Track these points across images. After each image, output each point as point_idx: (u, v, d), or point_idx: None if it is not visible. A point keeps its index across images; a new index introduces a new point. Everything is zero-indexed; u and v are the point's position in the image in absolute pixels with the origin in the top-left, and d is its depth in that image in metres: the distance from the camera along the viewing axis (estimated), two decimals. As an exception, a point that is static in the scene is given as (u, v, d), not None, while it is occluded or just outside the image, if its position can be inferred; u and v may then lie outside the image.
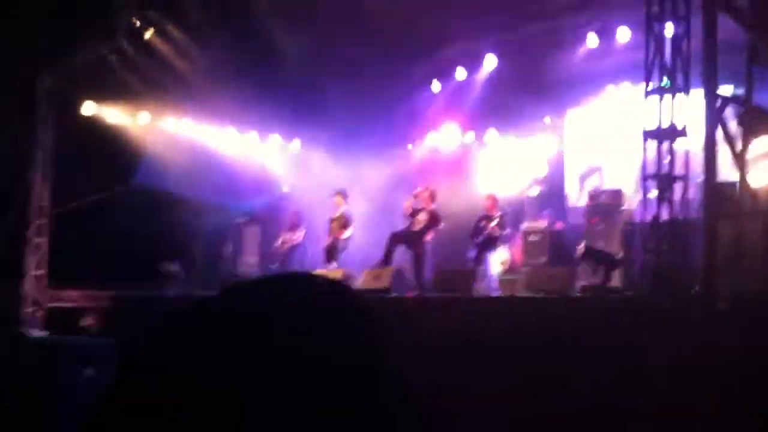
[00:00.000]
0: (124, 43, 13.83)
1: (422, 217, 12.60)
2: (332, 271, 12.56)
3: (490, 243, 12.38)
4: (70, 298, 14.86)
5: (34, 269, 14.45)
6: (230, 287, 1.13)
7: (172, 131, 16.01)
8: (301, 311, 1.09)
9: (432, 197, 12.85)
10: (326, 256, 13.45)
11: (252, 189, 16.82)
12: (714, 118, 8.43)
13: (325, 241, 13.58)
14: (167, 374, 1.05)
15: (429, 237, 12.52)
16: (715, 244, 7.81)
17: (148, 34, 13.74)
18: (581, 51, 13.60)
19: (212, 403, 1.00)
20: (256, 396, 1.00)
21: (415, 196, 12.85)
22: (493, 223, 12.44)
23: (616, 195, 12.29)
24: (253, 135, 17.17)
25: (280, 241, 14.34)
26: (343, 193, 13.77)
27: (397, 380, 1.10)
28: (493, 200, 13.01)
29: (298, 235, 14.27)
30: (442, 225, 12.66)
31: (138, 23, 13.57)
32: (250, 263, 15.58)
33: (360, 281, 11.62)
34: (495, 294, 11.33)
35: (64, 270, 14.26)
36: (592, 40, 13.41)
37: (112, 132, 15.12)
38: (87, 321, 12.80)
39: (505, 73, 14.63)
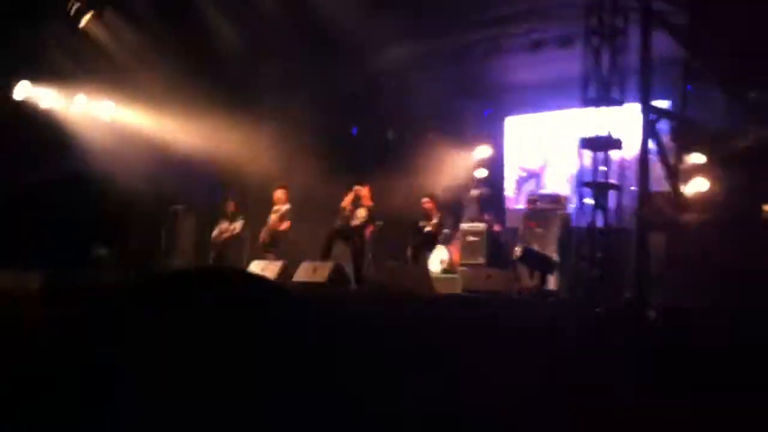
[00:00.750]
0: (61, 26, 13.61)
1: (361, 213, 12.74)
2: (271, 263, 12.61)
3: (429, 241, 12.58)
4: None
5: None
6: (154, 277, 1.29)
7: (107, 116, 15.75)
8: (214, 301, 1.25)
9: (371, 195, 12.99)
10: (264, 247, 13.46)
11: (187, 177, 16.66)
12: (648, 130, 8.78)
13: (264, 232, 13.59)
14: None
15: (368, 232, 12.67)
16: (647, 253, 8.14)
17: (85, 19, 13.52)
18: (521, 59, 13.88)
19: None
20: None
21: (355, 192, 12.96)
22: (433, 223, 12.64)
23: (554, 199, 12.60)
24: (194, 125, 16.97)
25: (217, 230, 14.28)
26: (284, 187, 13.79)
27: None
28: (433, 200, 13.21)
29: (236, 225, 14.21)
30: (380, 222, 12.82)
31: (75, 6, 13.34)
32: (184, 252, 15.47)
33: (298, 274, 11.70)
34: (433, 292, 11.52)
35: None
36: (532, 48, 13.70)
37: (45, 116, 14.82)
38: None
39: (447, 76, 14.82)
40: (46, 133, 14.53)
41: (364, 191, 12.95)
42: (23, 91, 14.58)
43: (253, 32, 13.31)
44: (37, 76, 14.34)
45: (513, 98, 14.92)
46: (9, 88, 14.42)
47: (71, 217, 14.36)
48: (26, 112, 14.48)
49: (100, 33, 13.85)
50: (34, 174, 14.25)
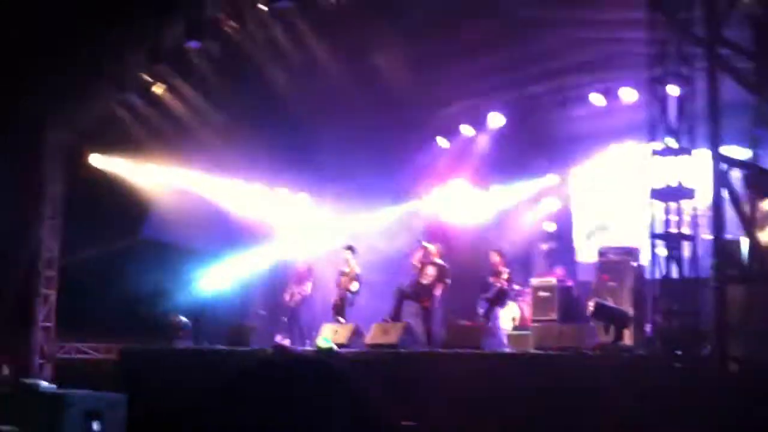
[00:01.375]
0: (134, 97, 14.04)
1: (431, 271, 12.66)
2: (342, 325, 12.62)
3: (500, 298, 12.45)
4: (78, 350, 14.93)
5: (43, 321, 14.53)
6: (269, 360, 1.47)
7: (179, 183, 16.11)
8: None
9: (440, 251, 12.95)
10: (335, 310, 13.51)
11: (259, 241, 16.92)
12: (720, 180, 8.56)
13: (334, 295, 13.65)
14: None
15: (438, 291, 12.57)
16: (725, 306, 7.90)
17: (157, 89, 13.93)
18: (586, 110, 13.82)
19: None
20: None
21: (424, 249, 12.93)
22: (502, 278, 12.52)
23: (627, 252, 12.37)
24: (259, 187, 17.28)
25: (288, 294, 14.40)
26: (352, 248, 13.88)
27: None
28: (501, 255, 13.10)
29: (306, 288, 14.33)
30: (449, 279, 12.73)
31: (148, 77, 13.77)
32: (259, 315, 15.62)
33: (369, 336, 11.67)
34: (505, 350, 11.37)
35: (73, 323, 14.36)
36: (596, 99, 13.64)
37: (120, 184, 15.22)
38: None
39: (512, 130, 14.84)
40: (121, 201, 14.89)
41: (432, 248, 12.90)
42: (98, 159, 15.01)
43: (317, 94, 13.53)
44: (112, 145, 14.74)
45: (578, 149, 14.79)
46: (85, 157, 14.85)
47: (147, 284, 14.68)
48: (103, 180, 14.86)
49: (170, 100, 14.23)
50: (111, 242, 14.65)
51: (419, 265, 12.84)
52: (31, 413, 9.09)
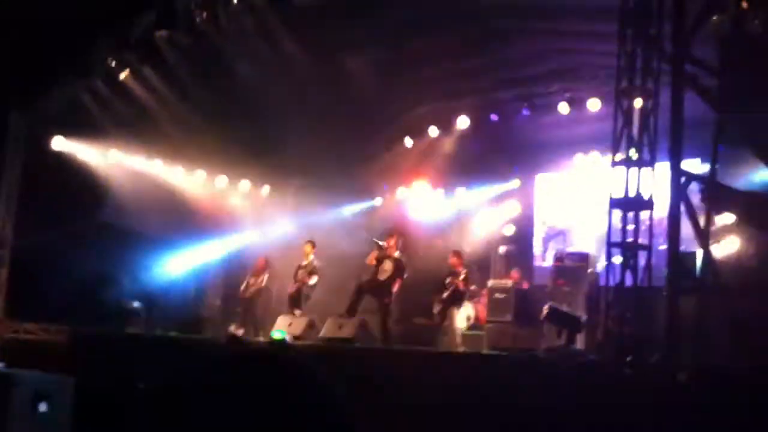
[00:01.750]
0: (99, 83, 13.91)
1: (387, 266, 12.64)
2: (297, 317, 12.61)
3: (456, 298, 12.53)
4: (27, 330, 14.71)
5: (-7, 300, 14.31)
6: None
7: (140, 170, 15.98)
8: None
9: (397, 245, 12.90)
10: (291, 302, 13.48)
11: (217, 231, 16.84)
12: (678, 193, 8.73)
13: (291, 287, 13.62)
14: None
15: (396, 287, 12.56)
16: (677, 316, 8.06)
17: (122, 75, 13.81)
18: (552, 118, 13.99)
19: None
20: None
21: (380, 246, 12.89)
22: (459, 279, 12.60)
23: (583, 258, 12.54)
24: (222, 179, 17.20)
25: (244, 285, 14.35)
26: (312, 242, 13.87)
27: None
28: (458, 256, 13.19)
29: (263, 280, 14.28)
30: (406, 274, 12.70)
31: (114, 64, 13.64)
32: (213, 305, 15.55)
33: (324, 330, 11.69)
34: (459, 350, 11.46)
35: (24, 303, 14.15)
36: (563, 107, 13.81)
37: (80, 168, 15.06)
38: None
39: (478, 134, 14.96)
40: (79, 185, 14.74)
41: (390, 241, 12.85)
42: (60, 143, 14.85)
43: (283, 85, 13.52)
44: (75, 129, 14.59)
45: (544, 156, 14.96)
46: (47, 140, 14.69)
47: (102, 268, 14.53)
48: (62, 163, 14.71)
49: (135, 87, 14.10)
50: (67, 224, 14.47)
51: (375, 263, 12.82)
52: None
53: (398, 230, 13.44)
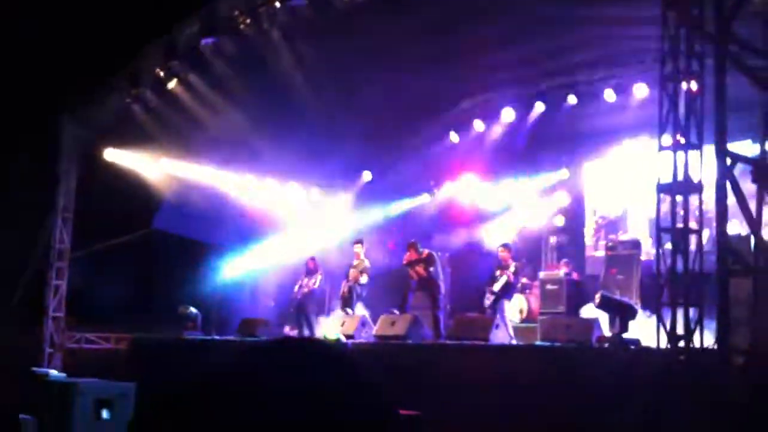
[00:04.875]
0: (148, 93, 14.14)
1: (419, 268, 12.68)
2: (350, 317, 12.69)
3: (506, 291, 12.47)
4: (89, 340, 15.09)
5: (53, 311, 14.68)
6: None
7: (191, 177, 16.22)
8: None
9: (415, 248, 12.85)
10: (343, 302, 13.60)
11: (267, 235, 17.04)
12: (724, 175, 8.56)
13: (343, 287, 13.73)
14: None
15: (440, 281, 12.52)
16: (728, 300, 7.91)
17: (171, 84, 14.01)
18: (598, 105, 13.84)
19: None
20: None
21: (410, 249, 12.89)
22: (509, 272, 12.54)
23: (634, 245, 12.37)
24: (272, 183, 17.38)
25: (297, 286, 14.48)
26: (361, 242, 13.96)
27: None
28: (508, 249, 13.13)
29: (315, 281, 14.39)
30: (433, 267, 12.64)
31: (162, 74, 13.84)
32: (268, 308, 15.73)
33: (376, 327, 11.74)
34: (512, 342, 11.42)
35: (84, 312, 14.51)
36: (609, 95, 13.65)
37: (133, 177, 15.34)
38: None
39: (524, 125, 14.87)
40: (133, 194, 15.02)
41: (411, 248, 12.82)
42: (112, 153, 15.14)
43: (339, 97, 13.59)
44: (126, 139, 14.86)
45: (591, 144, 14.80)
46: (99, 151, 15.01)
47: (157, 276, 14.80)
48: (116, 173, 15.00)
49: (184, 96, 14.28)
50: (122, 234, 14.79)
51: (408, 263, 12.83)
52: (41, 402, 9.18)
53: (412, 243, 13.30)
